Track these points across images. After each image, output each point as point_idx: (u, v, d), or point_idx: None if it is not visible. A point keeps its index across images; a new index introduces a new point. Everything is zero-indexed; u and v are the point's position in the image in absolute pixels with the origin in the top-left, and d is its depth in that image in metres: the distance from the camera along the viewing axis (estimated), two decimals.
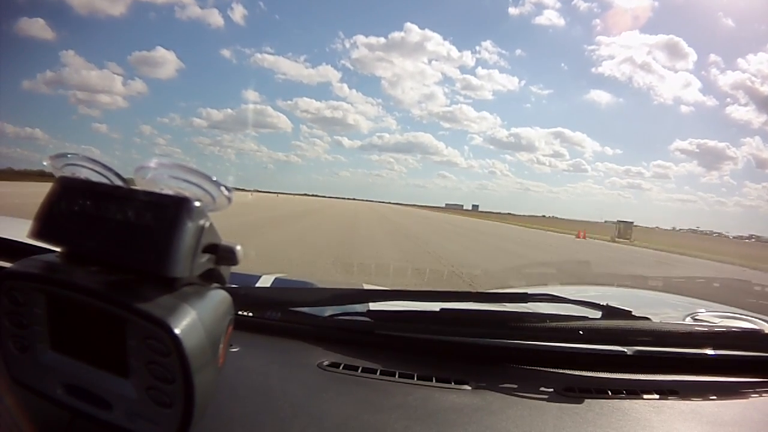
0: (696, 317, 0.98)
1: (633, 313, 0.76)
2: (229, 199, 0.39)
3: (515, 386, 0.64)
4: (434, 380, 0.64)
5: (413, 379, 0.64)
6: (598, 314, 0.76)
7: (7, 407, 0.46)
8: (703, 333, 0.79)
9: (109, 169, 0.41)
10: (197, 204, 0.38)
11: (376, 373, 0.65)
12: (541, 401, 0.62)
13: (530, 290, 0.91)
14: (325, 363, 0.66)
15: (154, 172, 0.39)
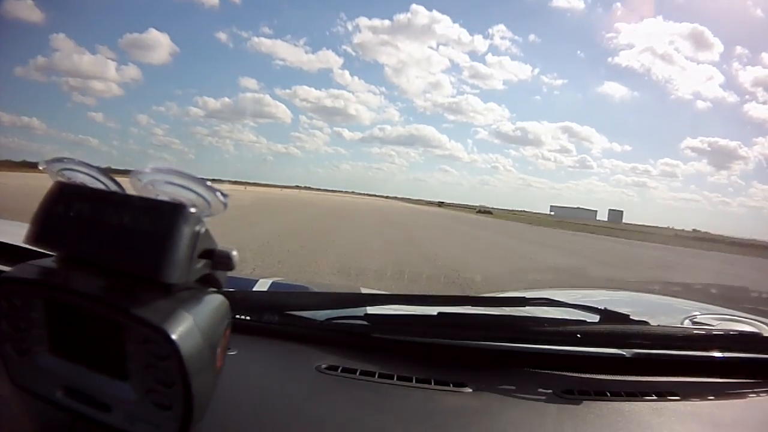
0: (694, 320, 0.98)
1: (631, 317, 0.76)
2: (225, 205, 0.40)
3: (514, 388, 0.64)
4: (432, 383, 0.64)
5: (412, 381, 0.64)
6: (596, 318, 0.76)
7: (9, 409, 0.46)
8: (700, 335, 0.79)
9: (105, 174, 0.42)
10: (193, 210, 0.38)
11: (374, 376, 0.65)
12: (540, 403, 0.62)
13: (528, 294, 0.91)
14: (323, 366, 0.66)
15: (150, 177, 0.39)
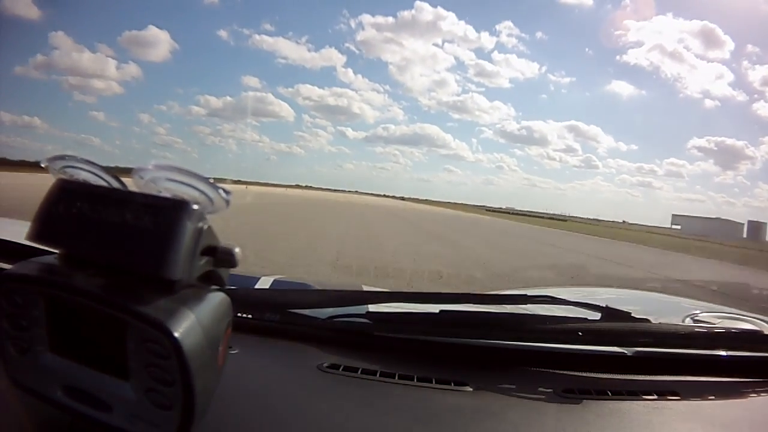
0: (695, 318, 0.98)
1: (632, 315, 0.76)
2: (227, 202, 0.40)
3: (515, 387, 0.64)
4: (434, 381, 0.64)
5: (413, 380, 0.64)
6: (597, 316, 0.76)
7: (10, 408, 0.46)
8: (702, 334, 0.79)
9: (108, 172, 0.42)
10: (195, 207, 0.38)
11: (375, 375, 0.65)
12: (540, 402, 0.62)
13: (530, 292, 0.91)
14: (325, 365, 0.66)
15: (152, 174, 0.39)
